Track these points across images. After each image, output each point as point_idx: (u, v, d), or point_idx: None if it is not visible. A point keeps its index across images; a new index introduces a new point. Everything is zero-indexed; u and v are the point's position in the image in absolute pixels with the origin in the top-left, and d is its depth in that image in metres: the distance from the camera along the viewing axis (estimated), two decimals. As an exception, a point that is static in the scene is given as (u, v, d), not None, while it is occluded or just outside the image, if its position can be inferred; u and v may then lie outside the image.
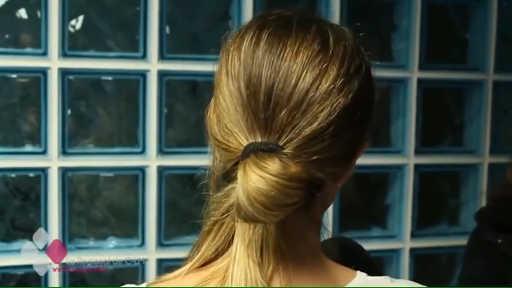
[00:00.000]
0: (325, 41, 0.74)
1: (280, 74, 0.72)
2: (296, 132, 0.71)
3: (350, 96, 0.73)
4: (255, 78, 0.73)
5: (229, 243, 0.77)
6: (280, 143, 0.71)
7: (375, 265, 1.13)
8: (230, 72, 0.75)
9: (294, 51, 0.73)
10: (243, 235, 0.73)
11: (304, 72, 0.72)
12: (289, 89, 0.72)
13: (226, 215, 0.77)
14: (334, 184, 0.78)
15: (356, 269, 0.81)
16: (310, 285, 0.76)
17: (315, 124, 0.72)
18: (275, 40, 0.74)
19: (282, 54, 0.73)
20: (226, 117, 0.74)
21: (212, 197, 0.80)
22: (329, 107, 0.72)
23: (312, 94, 0.72)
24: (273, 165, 0.69)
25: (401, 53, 2.25)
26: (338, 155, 0.74)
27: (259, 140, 0.72)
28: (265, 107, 0.72)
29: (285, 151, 0.71)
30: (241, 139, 0.72)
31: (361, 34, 0.80)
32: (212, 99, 0.78)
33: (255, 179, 0.68)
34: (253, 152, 0.71)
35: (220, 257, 0.78)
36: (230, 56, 0.76)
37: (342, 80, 0.73)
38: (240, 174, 0.69)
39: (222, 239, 0.78)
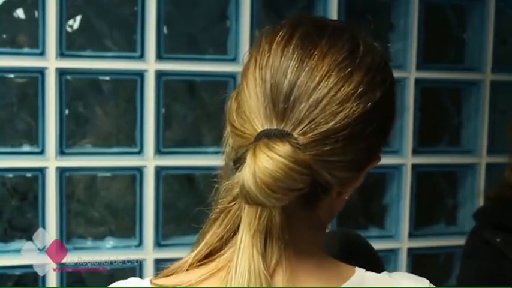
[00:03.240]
0: (354, 49, 0.76)
1: (306, 69, 0.74)
2: (312, 127, 0.72)
3: (369, 104, 0.74)
4: (281, 69, 0.74)
5: (235, 232, 0.78)
6: (295, 134, 0.72)
7: (377, 257, 1.13)
8: (258, 61, 0.77)
9: (323, 52, 0.75)
10: (249, 224, 0.74)
11: (330, 72, 0.74)
12: (313, 85, 0.73)
13: (233, 202, 0.78)
14: (340, 194, 0.79)
15: (357, 264, 0.82)
16: (311, 281, 0.77)
17: (332, 123, 0.73)
18: (306, 39, 0.76)
19: (311, 53, 0.75)
20: (247, 104, 0.75)
21: (222, 185, 0.80)
22: (348, 109, 0.73)
23: (333, 93, 0.73)
24: (283, 147, 0.70)
25: (398, 53, 2.25)
26: (348, 161, 0.75)
27: (275, 128, 0.73)
28: (285, 98, 0.73)
29: (297, 140, 0.72)
30: (257, 125, 0.74)
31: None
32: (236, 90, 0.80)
33: (263, 159, 0.69)
34: (266, 136, 0.72)
35: (225, 246, 0.78)
36: (261, 48, 0.77)
37: (365, 87, 0.74)
38: (249, 155, 0.70)
39: (228, 227, 0.79)
